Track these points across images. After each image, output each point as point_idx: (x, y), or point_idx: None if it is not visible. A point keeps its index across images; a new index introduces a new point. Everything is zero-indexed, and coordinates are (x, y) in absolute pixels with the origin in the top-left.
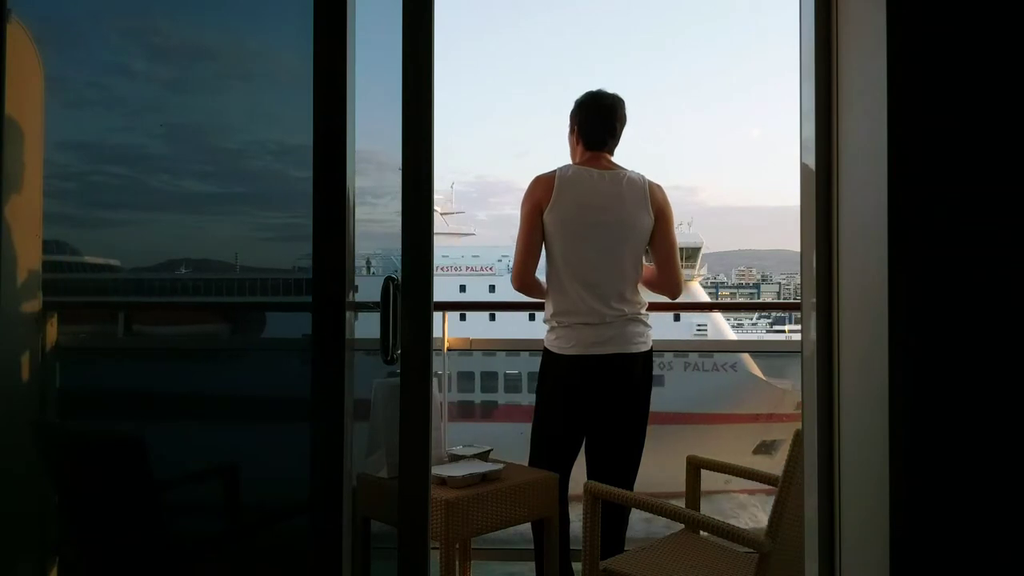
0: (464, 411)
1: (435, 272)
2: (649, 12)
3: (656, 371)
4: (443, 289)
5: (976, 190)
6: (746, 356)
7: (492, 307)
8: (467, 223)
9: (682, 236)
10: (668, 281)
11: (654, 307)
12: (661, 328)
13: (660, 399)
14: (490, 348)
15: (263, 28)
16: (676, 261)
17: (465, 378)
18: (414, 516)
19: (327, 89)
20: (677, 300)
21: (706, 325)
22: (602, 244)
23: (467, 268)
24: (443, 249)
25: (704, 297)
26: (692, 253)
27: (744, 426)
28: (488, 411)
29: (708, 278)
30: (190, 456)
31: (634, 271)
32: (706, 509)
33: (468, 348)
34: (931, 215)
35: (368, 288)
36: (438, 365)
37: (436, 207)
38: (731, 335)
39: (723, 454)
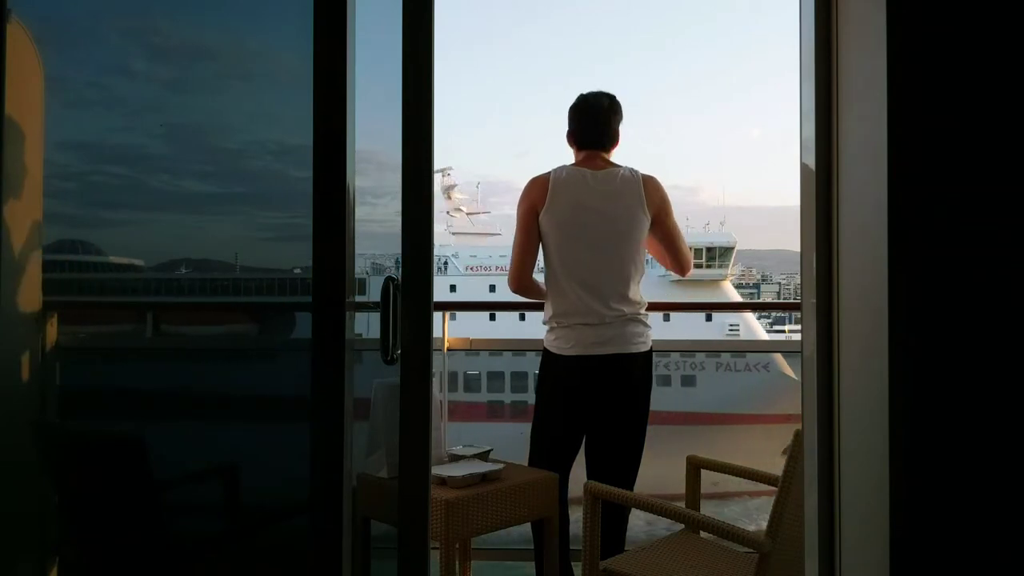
0: (493, 411)
1: (465, 272)
2: (649, 12)
3: (688, 371)
4: (473, 289)
5: (976, 190)
6: (778, 356)
7: (489, 307)
8: (493, 223)
9: (715, 236)
10: (677, 263)
11: (673, 307)
12: (693, 328)
13: (692, 400)
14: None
15: (263, 28)
16: (681, 243)
17: (495, 378)
18: (414, 516)
19: (327, 89)
20: (698, 302)
21: (738, 325)
22: (598, 244)
23: (496, 268)
24: (471, 249)
25: (736, 297)
26: (725, 252)
27: (777, 426)
28: (520, 411)
29: None
30: (190, 456)
31: (634, 269)
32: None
33: (468, 348)
34: (931, 215)
35: (368, 288)
36: (438, 365)
37: (462, 207)
38: (764, 335)
39: (753, 454)
